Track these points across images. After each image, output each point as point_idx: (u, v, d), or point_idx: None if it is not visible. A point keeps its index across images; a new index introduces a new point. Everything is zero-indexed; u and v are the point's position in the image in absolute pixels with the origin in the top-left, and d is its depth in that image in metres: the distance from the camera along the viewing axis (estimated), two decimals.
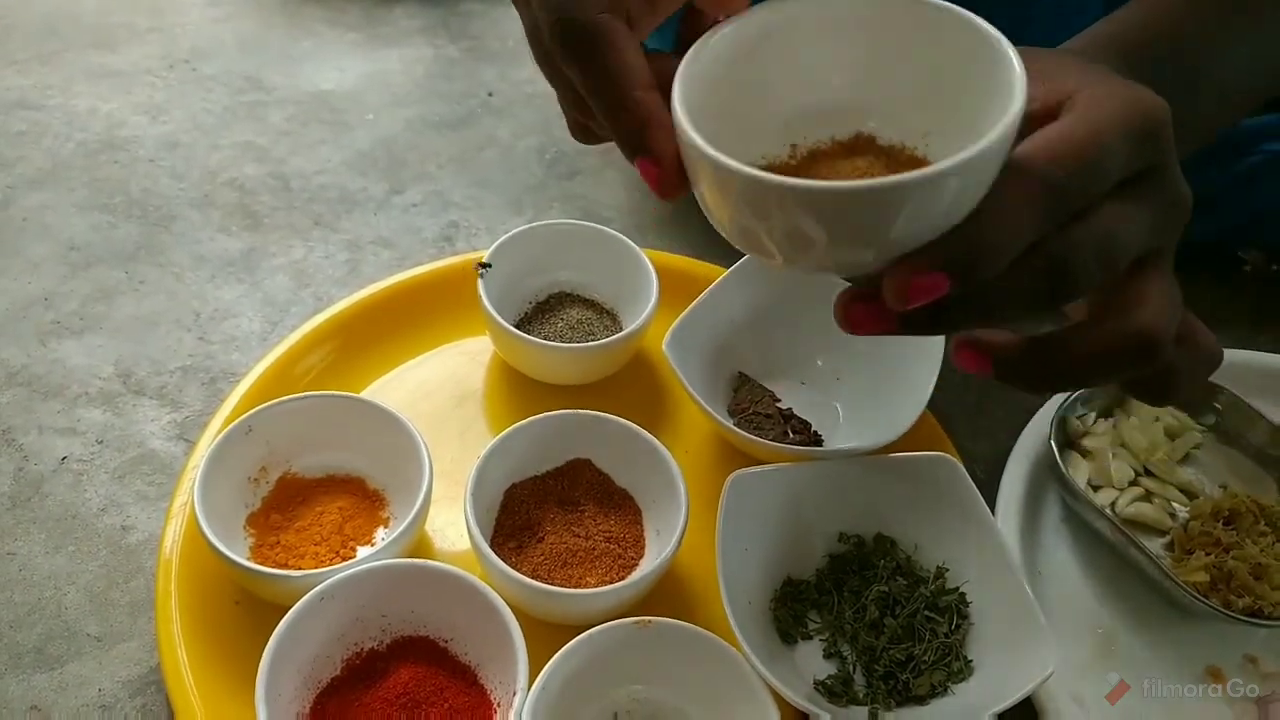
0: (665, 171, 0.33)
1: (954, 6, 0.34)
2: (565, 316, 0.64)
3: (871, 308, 0.33)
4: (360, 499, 0.54)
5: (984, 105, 0.32)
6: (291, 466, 0.55)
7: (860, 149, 0.37)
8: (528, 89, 0.92)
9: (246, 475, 0.53)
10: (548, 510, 0.54)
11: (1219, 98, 0.47)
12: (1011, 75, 0.31)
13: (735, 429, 0.56)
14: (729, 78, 0.36)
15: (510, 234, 0.64)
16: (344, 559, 0.50)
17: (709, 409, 0.56)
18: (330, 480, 0.55)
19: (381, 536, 0.52)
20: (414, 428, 0.53)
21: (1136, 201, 0.34)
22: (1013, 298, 0.32)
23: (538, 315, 0.65)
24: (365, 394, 0.60)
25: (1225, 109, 0.48)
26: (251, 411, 0.53)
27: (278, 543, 0.51)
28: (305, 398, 0.55)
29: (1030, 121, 0.33)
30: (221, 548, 0.47)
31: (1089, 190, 0.32)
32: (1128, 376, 0.35)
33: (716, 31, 0.35)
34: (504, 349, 0.63)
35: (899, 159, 0.35)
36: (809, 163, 0.37)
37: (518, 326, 0.62)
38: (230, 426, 0.52)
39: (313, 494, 0.54)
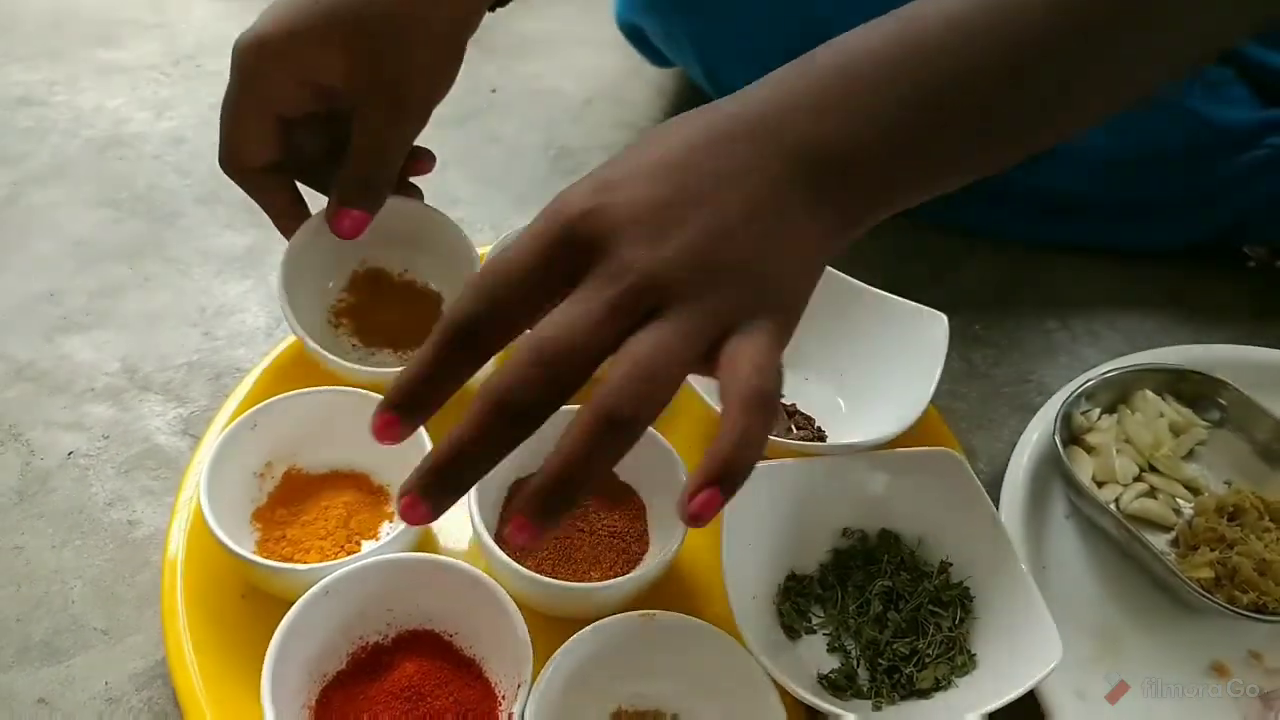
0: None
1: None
2: None
3: (519, 528, 0.32)
4: (365, 494, 0.54)
5: None
6: (297, 462, 0.55)
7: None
8: (531, 85, 0.92)
9: (252, 470, 0.53)
10: None
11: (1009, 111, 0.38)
12: None
13: None
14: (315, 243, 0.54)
15: (514, 230, 0.64)
16: (349, 553, 0.50)
17: (713, 404, 0.56)
18: (335, 475, 0.55)
19: (386, 531, 0.52)
20: None
21: (575, 304, 0.32)
22: (566, 461, 0.32)
23: None
24: (369, 390, 0.60)
25: (1045, 114, 0.40)
26: (256, 407, 0.53)
27: (283, 537, 0.51)
28: (310, 393, 0.55)
29: None
30: (227, 542, 0.47)
31: (491, 327, 0.33)
32: (618, 442, 0.32)
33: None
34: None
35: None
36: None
37: None
38: (235, 422, 0.52)
39: (318, 489, 0.54)
